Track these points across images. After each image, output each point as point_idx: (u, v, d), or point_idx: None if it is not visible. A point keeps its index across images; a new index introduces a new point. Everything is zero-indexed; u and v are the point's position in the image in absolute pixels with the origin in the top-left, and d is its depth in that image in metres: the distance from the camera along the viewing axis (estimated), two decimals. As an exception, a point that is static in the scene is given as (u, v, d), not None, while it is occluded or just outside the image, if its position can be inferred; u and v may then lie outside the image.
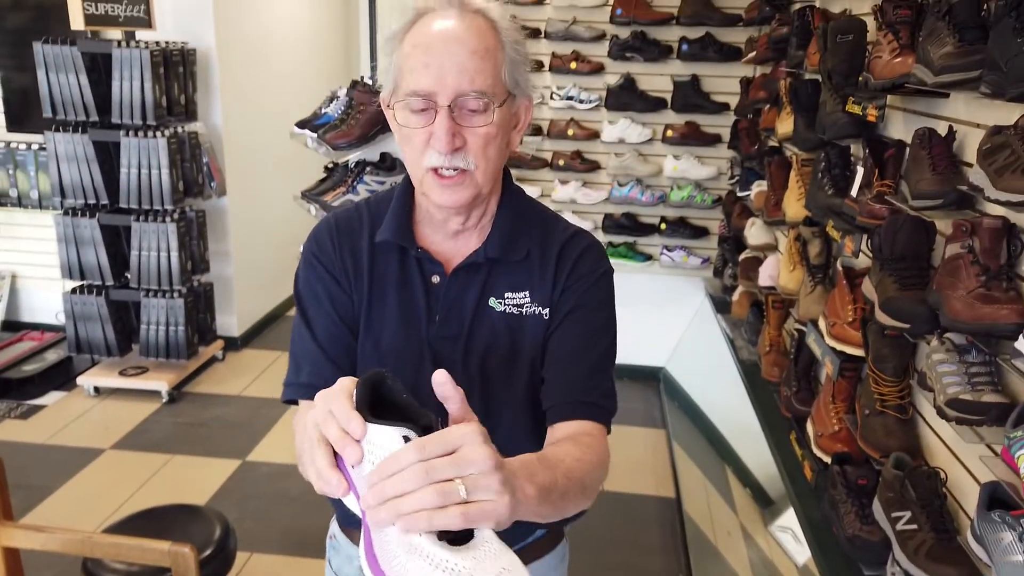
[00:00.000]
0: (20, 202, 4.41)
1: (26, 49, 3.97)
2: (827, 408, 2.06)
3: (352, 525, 1.32)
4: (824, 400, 2.10)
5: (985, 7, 1.44)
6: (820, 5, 2.72)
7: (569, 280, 1.13)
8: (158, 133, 3.82)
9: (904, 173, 1.75)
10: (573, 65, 3.98)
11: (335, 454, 0.76)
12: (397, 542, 0.70)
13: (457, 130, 1.01)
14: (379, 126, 2.71)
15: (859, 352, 1.87)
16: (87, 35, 3.83)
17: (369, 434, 0.74)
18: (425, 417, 0.77)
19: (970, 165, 1.49)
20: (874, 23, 1.89)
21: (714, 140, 3.97)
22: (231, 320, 4.70)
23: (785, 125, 2.71)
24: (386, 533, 0.72)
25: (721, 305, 3.67)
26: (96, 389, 4.11)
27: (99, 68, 3.82)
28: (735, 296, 3.47)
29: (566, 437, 1.04)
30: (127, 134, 3.82)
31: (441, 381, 0.78)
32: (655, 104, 3.95)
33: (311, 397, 0.82)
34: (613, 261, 1.25)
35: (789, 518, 2.34)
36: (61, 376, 4.25)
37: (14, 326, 4.70)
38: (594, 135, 4.05)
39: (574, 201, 4.11)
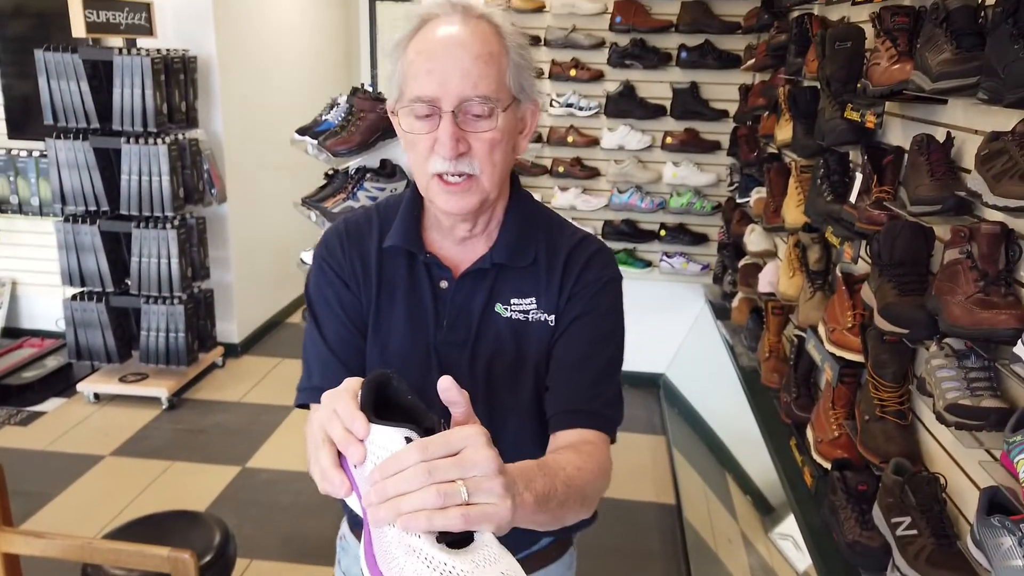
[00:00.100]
0: (21, 209, 4.41)
1: (27, 57, 3.98)
2: (827, 414, 2.06)
3: (361, 526, 1.32)
4: (824, 406, 2.10)
5: (982, 14, 1.45)
6: (818, 13, 2.73)
7: (576, 287, 1.12)
8: (159, 140, 3.83)
9: (903, 179, 1.76)
10: (573, 72, 3.99)
11: (339, 454, 0.76)
12: (396, 543, 0.70)
13: (461, 135, 1.01)
14: (379, 133, 2.72)
15: (859, 358, 1.88)
16: (88, 42, 3.84)
17: (372, 434, 0.74)
18: (428, 419, 0.77)
19: (968, 171, 1.50)
20: (872, 30, 1.90)
21: (713, 147, 3.98)
22: (231, 327, 4.71)
23: (784, 132, 2.72)
24: (385, 534, 0.72)
25: (721, 311, 3.68)
26: (96, 395, 4.11)
27: (100, 75, 3.83)
28: (735, 302, 3.47)
29: (567, 445, 1.04)
30: (128, 141, 3.83)
31: (447, 387, 0.78)
32: (654, 111, 3.97)
33: None
34: (612, 267, 1.24)
35: (789, 525, 2.34)
36: (61, 383, 4.24)
37: (14, 333, 4.71)
38: (594, 142, 4.06)
39: (574, 208, 4.11)
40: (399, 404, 0.80)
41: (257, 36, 4.89)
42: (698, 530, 3.09)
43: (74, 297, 4.07)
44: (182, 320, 4.04)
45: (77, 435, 3.77)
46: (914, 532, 1.47)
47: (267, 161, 4.97)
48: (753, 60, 3.45)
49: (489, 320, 1.12)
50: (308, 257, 3.04)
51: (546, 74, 4.03)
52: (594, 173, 4.11)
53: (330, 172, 2.96)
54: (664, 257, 4.16)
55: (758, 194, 3.21)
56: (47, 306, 4.66)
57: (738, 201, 3.60)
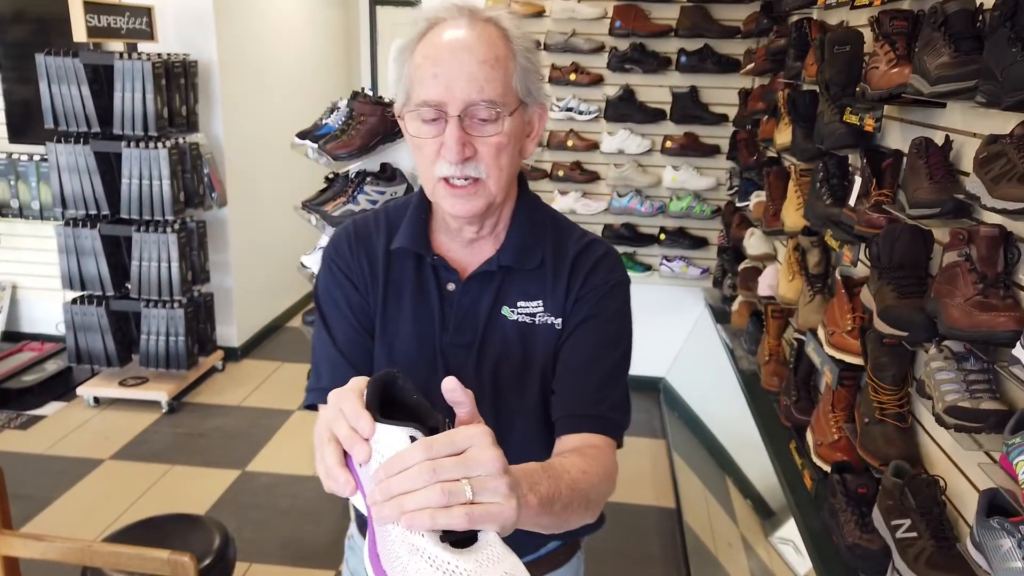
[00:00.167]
0: (21, 213, 4.42)
1: (28, 62, 3.99)
2: (826, 417, 2.06)
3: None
4: (824, 409, 2.10)
5: (980, 18, 1.46)
6: (817, 17, 2.74)
7: (582, 290, 1.12)
8: (159, 144, 3.84)
9: (901, 182, 1.76)
10: (572, 77, 4.00)
11: (345, 453, 0.76)
12: (400, 542, 0.70)
13: (467, 140, 1.01)
14: (379, 136, 2.72)
15: (858, 361, 1.88)
16: (89, 47, 3.85)
17: (377, 433, 0.74)
18: (433, 418, 0.77)
19: (967, 174, 1.50)
20: (871, 34, 1.90)
21: (713, 151, 3.99)
22: (231, 330, 4.71)
23: (783, 136, 2.73)
24: (389, 532, 0.72)
25: (720, 315, 3.68)
26: (96, 399, 4.11)
27: (101, 79, 3.84)
28: (734, 306, 3.47)
29: (572, 449, 1.03)
30: (128, 145, 3.84)
31: (451, 387, 0.78)
32: (654, 115, 3.97)
33: None
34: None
35: (790, 529, 2.34)
36: (61, 386, 4.24)
37: (14, 336, 4.71)
38: (593, 146, 4.06)
39: (574, 211, 4.12)
40: (405, 403, 0.80)
41: (257, 41, 4.90)
42: (698, 534, 3.09)
43: (74, 301, 4.07)
44: (182, 324, 4.05)
45: (77, 439, 3.77)
46: (914, 534, 1.47)
47: (267, 165, 4.98)
48: (752, 64, 3.46)
49: (495, 322, 1.12)
50: (308, 261, 3.04)
51: (546, 78, 4.04)
52: (594, 177, 4.12)
53: (330, 176, 2.97)
54: (664, 261, 4.17)
55: (757, 198, 3.21)
56: (47, 310, 4.66)
57: (738, 205, 3.60)
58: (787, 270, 2.58)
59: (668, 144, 4.00)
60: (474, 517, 0.68)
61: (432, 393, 0.81)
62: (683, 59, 3.89)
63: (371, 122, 2.69)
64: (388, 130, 2.73)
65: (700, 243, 4.15)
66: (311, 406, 1.14)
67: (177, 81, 3.97)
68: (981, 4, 1.47)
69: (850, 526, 1.72)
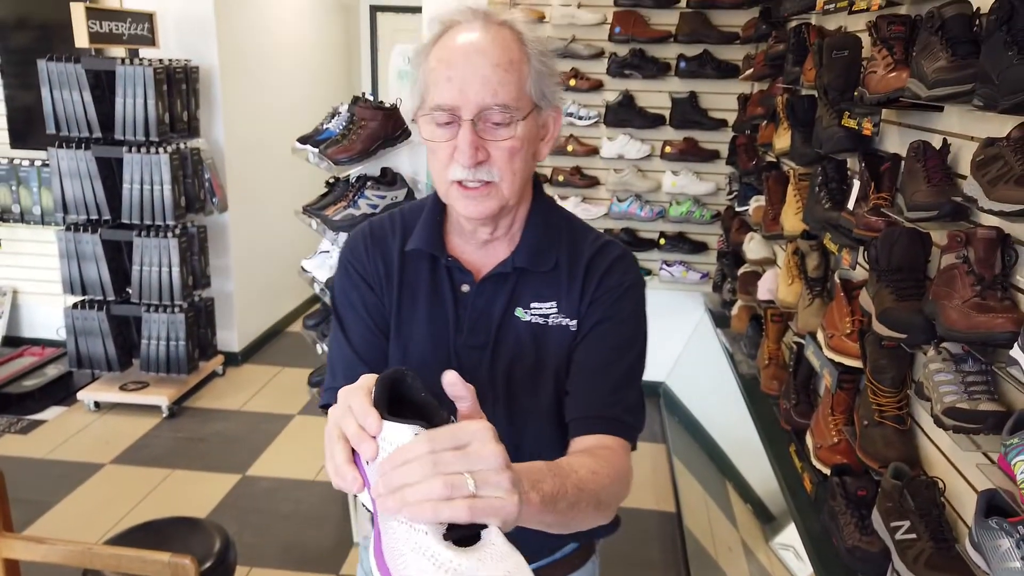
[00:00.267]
0: (23, 218, 4.43)
1: (30, 68, 4.01)
2: (826, 420, 2.07)
3: None
4: (823, 412, 2.11)
5: (977, 22, 1.47)
6: (816, 22, 2.76)
7: (597, 292, 1.12)
8: (160, 149, 3.85)
9: (900, 186, 1.77)
10: (572, 82, 4.02)
11: (353, 450, 0.77)
12: (403, 540, 0.71)
13: (480, 143, 1.01)
14: (380, 141, 2.73)
15: (857, 364, 1.88)
16: (91, 53, 3.87)
17: (384, 431, 0.74)
18: (440, 416, 0.78)
19: (964, 177, 1.51)
20: (869, 39, 1.92)
21: (712, 156, 4.00)
22: (231, 335, 4.71)
23: (782, 140, 2.74)
24: (393, 530, 0.73)
25: (720, 320, 3.68)
26: (96, 404, 4.11)
27: (103, 85, 3.86)
28: (734, 310, 3.48)
29: (584, 450, 1.03)
30: (130, 150, 3.85)
31: (451, 381, 0.79)
32: (653, 120, 3.99)
33: None
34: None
35: (790, 534, 2.34)
36: (61, 391, 4.25)
37: (15, 341, 4.71)
38: (593, 151, 4.08)
39: (573, 216, 4.12)
40: (413, 401, 0.81)
41: (258, 46, 4.92)
42: (698, 538, 3.09)
43: (75, 305, 4.08)
44: (183, 328, 4.05)
45: (77, 443, 3.77)
46: (913, 536, 1.47)
47: (268, 170, 4.99)
48: (751, 70, 3.47)
49: (509, 324, 1.12)
50: (309, 265, 3.05)
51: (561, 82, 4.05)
52: (594, 182, 4.13)
53: (331, 180, 2.98)
54: (664, 266, 4.18)
55: (757, 202, 3.22)
56: (48, 315, 4.67)
57: (737, 209, 3.61)
58: (786, 274, 2.59)
59: (668, 149, 4.01)
60: (476, 510, 0.69)
61: (445, 394, 0.81)
62: (682, 64, 3.91)
63: (372, 127, 2.71)
64: (389, 134, 2.75)
65: (700, 248, 4.16)
66: (326, 405, 1.15)
67: (178, 86, 3.98)
68: (978, 8, 1.48)
69: (850, 528, 1.72)
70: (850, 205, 2.00)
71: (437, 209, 1.16)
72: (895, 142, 2.01)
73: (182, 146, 4.03)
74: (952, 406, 1.37)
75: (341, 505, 3.28)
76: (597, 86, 4.02)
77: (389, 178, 2.80)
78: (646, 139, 4.03)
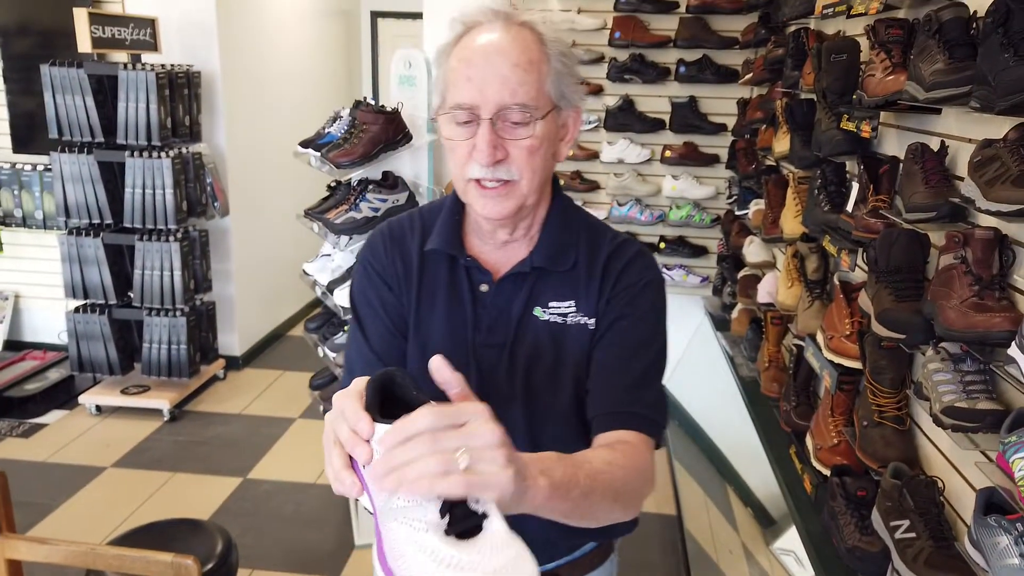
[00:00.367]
0: (25, 222, 4.44)
1: (32, 74, 4.03)
2: (826, 421, 2.08)
3: None
4: (823, 414, 2.11)
5: (974, 25, 1.48)
6: (814, 27, 2.77)
7: (615, 289, 1.12)
8: (162, 154, 3.86)
9: (898, 188, 1.78)
10: (573, 87, 4.03)
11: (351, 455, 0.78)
12: (403, 539, 0.72)
13: (499, 142, 1.02)
14: (381, 145, 2.75)
15: (857, 365, 1.89)
16: (93, 58, 3.89)
17: (377, 433, 0.75)
18: None
19: (962, 179, 1.52)
20: (867, 43, 1.93)
21: (712, 160, 4.02)
22: (232, 339, 4.72)
23: (781, 144, 2.75)
24: (394, 531, 0.73)
25: (720, 323, 3.69)
26: (98, 407, 4.12)
27: (105, 90, 3.87)
28: (734, 313, 3.49)
29: (603, 445, 1.03)
30: (132, 155, 3.87)
31: (438, 366, 0.80)
32: (653, 125, 4.00)
33: None
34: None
35: (791, 538, 2.34)
36: (63, 395, 4.26)
37: (16, 345, 4.72)
38: (593, 155, 4.09)
39: (574, 220, 4.14)
40: (406, 400, 0.82)
41: (260, 51, 4.94)
42: (699, 541, 3.09)
43: (77, 309, 4.09)
44: (184, 332, 4.06)
45: (79, 447, 3.78)
46: (912, 535, 1.48)
47: (269, 175, 5.01)
48: (751, 74, 3.49)
49: (527, 323, 1.12)
50: (311, 268, 3.06)
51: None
52: (594, 186, 4.15)
53: (332, 184, 2.99)
54: (664, 269, 4.19)
55: (756, 206, 3.23)
56: (49, 319, 4.68)
57: (737, 213, 3.62)
58: (786, 277, 2.60)
59: (667, 153, 4.03)
60: (472, 484, 0.70)
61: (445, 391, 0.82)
62: (682, 69, 3.92)
63: (373, 131, 2.72)
64: (390, 138, 2.76)
65: (700, 251, 4.17)
66: None
67: (180, 91, 4.00)
68: (975, 12, 1.49)
69: (850, 529, 1.73)
70: (849, 207, 2.01)
71: (456, 209, 1.17)
72: (893, 144, 2.03)
73: (184, 150, 4.05)
74: (951, 405, 1.38)
75: (342, 508, 3.29)
76: (597, 91, 4.04)
77: (390, 182, 2.81)
78: (646, 143, 4.05)
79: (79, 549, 1.74)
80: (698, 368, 4.12)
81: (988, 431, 1.33)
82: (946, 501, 1.56)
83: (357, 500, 3.21)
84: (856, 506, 1.75)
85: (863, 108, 1.91)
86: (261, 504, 3.34)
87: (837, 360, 1.96)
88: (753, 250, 3.26)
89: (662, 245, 4.16)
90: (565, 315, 1.12)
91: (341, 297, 2.81)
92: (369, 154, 2.74)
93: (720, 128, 3.97)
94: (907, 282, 1.63)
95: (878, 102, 1.79)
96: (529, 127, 1.02)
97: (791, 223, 2.60)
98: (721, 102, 3.97)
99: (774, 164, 3.18)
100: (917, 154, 1.66)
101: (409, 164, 2.93)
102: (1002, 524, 1.18)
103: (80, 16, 3.62)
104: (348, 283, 2.84)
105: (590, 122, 4.06)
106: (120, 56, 4.08)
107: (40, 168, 4.36)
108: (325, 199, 2.97)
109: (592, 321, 1.12)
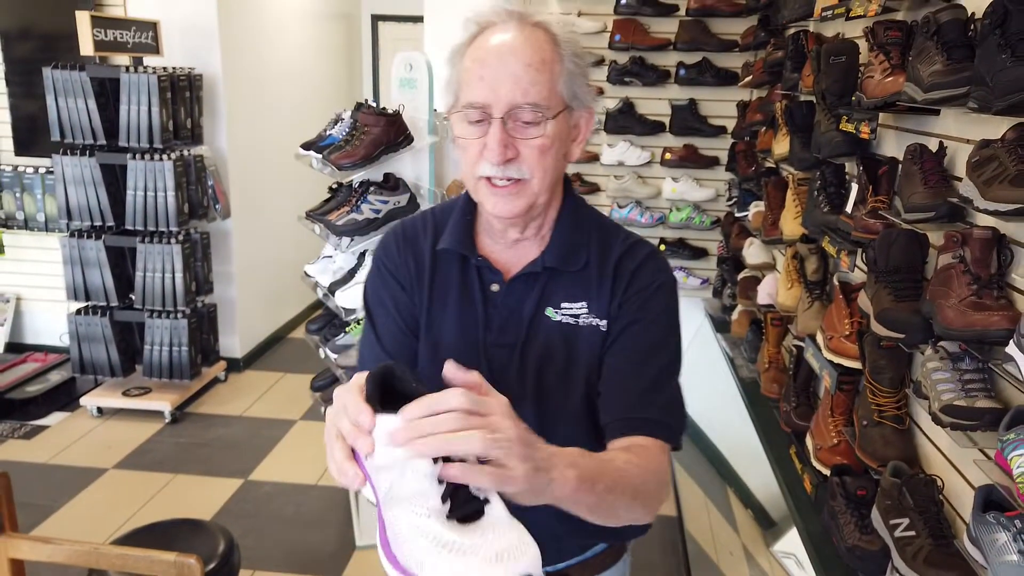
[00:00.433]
0: (26, 225, 4.46)
1: (34, 77, 4.05)
2: (826, 422, 2.08)
3: None
4: (823, 414, 2.12)
5: (972, 27, 1.49)
6: (814, 29, 2.79)
7: (627, 293, 1.12)
8: (164, 156, 3.88)
9: (897, 188, 1.79)
10: (573, 89, 4.04)
11: (352, 448, 0.79)
12: (406, 525, 0.73)
13: (510, 141, 1.03)
14: (383, 147, 2.76)
15: (856, 364, 1.90)
16: (96, 61, 3.90)
17: (379, 425, 0.76)
18: None
19: (960, 179, 1.53)
20: (866, 45, 1.94)
21: (712, 162, 4.03)
22: (234, 341, 4.73)
23: (781, 146, 2.76)
24: (396, 519, 0.74)
25: (720, 325, 3.70)
26: (99, 409, 4.12)
27: (107, 93, 3.89)
28: (734, 315, 3.50)
29: (620, 448, 1.04)
30: (134, 157, 3.88)
31: (452, 375, 0.82)
32: (653, 127, 4.01)
33: None
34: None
35: (791, 541, 2.35)
36: (64, 397, 4.26)
37: (18, 348, 4.73)
38: (594, 158, 4.10)
39: (574, 223, 4.14)
40: (406, 393, 0.83)
41: (261, 54, 4.96)
42: (699, 542, 3.10)
43: (79, 311, 4.10)
44: (185, 334, 4.07)
45: (80, 448, 3.79)
46: (912, 533, 1.49)
47: (270, 177, 5.02)
48: (750, 77, 3.50)
49: (539, 323, 1.13)
50: (312, 270, 3.07)
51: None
52: (594, 188, 4.15)
53: (334, 186, 3.00)
54: (664, 271, 4.19)
55: (756, 208, 3.24)
56: (50, 321, 4.69)
57: (737, 215, 3.63)
58: (786, 278, 2.61)
59: (667, 156, 4.03)
60: (493, 476, 0.73)
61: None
62: (682, 72, 3.93)
63: (375, 132, 2.73)
64: (391, 140, 2.77)
65: (700, 253, 4.18)
66: None
67: (182, 94, 4.02)
68: (972, 13, 1.50)
69: (849, 528, 1.74)
70: (848, 208, 2.02)
71: (468, 209, 1.18)
72: (892, 146, 2.04)
73: (186, 153, 4.06)
74: (950, 403, 1.38)
75: (343, 509, 3.29)
76: (597, 93, 4.05)
77: (392, 183, 2.82)
78: (646, 146, 4.06)
79: (82, 548, 1.74)
80: (698, 370, 4.10)
81: (987, 429, 1.34)
82: (945, 499, 1.57)
83: (358, 501, 3.20)
84: (856, 505, 1.76)
85: (862, 110, 1.92)
86: (262, 506, 3.35)
87: (837, 360, 1.97)
88: (753, 252, 3.27)
89: (662, 247, 4.17)
90: (577, 316, 1.13)
91: (343, 299, 2.82)
92: (370, 156, 2.75)
93: (720, 130, 3.98)
94: (906, 282, 1.64)
95: (877, 103, 1.80)
96: (540, 126, 1.03)
97: (791, 224, 2.61)
98: (721, 104, 3.98)
99: (774, 166, 3.19)
100: (916, 155, 1.67)
101: (410, 166, 2.94)
102: (1000, 521, 1.19)
103: (82, 19, 3.64)
104: (349, 284, 2.85)
105: (590, 125, 4.06)
106: (122, 59, 4.09)
107: (42, 171, 4.38)
108: (327, 201, 2.98)
109: (604, 323, 1.12)
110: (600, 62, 4.02)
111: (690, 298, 4.23)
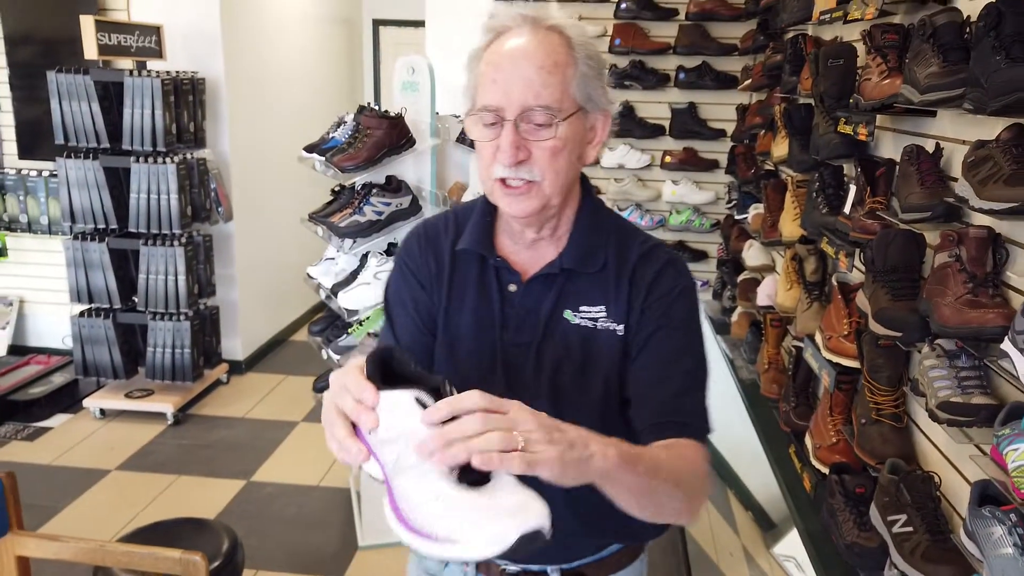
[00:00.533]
0: (30, 227, 4.48)
1: (37, 81, 4.07)
2: (825, 421, 2.10)
3: None
4: (822, 413, 2.14)
5: (967, 29, 1.52)
6: (812, 33, 2.81)
7: (648, 300, 1.12)
8: (167, 159, 3.90)
9: (894, 189, 1.81)
10: (573, 93, 4.06)
11: (354, 425, 0.81)
12: (417, 490, 0.75)
13: (522, 143, 1.04)
14: (385, 149, 2.78)
15: (855, 364, 1.92)
16: (99, 64, 3.93)
17: (382, 401, 0.79)
18: (434, 381, 0.82)
19: (956, 179, 1.55)
20: (863, 48, 1.96)
21: (711, 165, 4.05)
22: (236, 343, 4.75)
23: (780, 148, 2.78)
24: (405, 485, 0.77)
25: (720, 327, 3.71)
26: (102, 411, 4.14)
27: (111, 96, 3.92)
28: (734, 317, 3.51)
29: (657, 446, 1.04)
30: (137, 160, 3.90)
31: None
32: (653, 131, 4.03)
33: None
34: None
35: (791, 543, 2.36)
36: (67, 399, 4.28)
37: (21, 350, 4.74)
38: (594, 161, 4.12)
39: (575, 225, 4.16)
40: (404, 376, 0.85)
41: (263, 58, 4.99)
42: (699, 543, 3.11)
43: (81, 314, 4.12)
44: (188, 336, 4.09)
45: (83, 450, 3.80)
46: (910, 529, 1.50)
47: (272, 180, 5.05)
48: (749, 80, 3.52)
49: (556, 325, 1.14)
50: (315, 272, 3.10)
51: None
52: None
53: (337, 188, 3.03)
54: (664, 274, 4.20)
55: (756, 210, 3.26)
56: (53, 324, 4.70)
57: (736, 218, 3.65)
58: (785, 279, 2.62)
59: (667, 159, 4.06)
60: (528, 462, 0.76)
61: (490, 391, 0.84)
62: (682, 76, 3.95)
63: (377, 135, 2.76)
64: (394, 143, 2.80)
65: (700, 256, 4.19)
66: None
67: (185, 98, 4.04)
68: (968, 16, 1.53)
69: (848, 525, 1.75)
70: (847, 209, 2.04)
71: (487, 210, 1.19)
72: (889, 147, 2.06)
73: (188, 156, 4.08)
74: (946, 400, 1.40)
75: (345, 510, 3.31)
76: (598, 97, 4.06)
77: (394, 185, 2.84)
78: (646, 149, 4.08)
79: (88, 546, 1.76)
80: (698, 371, 4.13)
81: (982, 425, 1.35)
82: (942, 495, 1.59)
83: (359, 502, 3.18)
84: (855, 503, 1.77)
85: (860, 112, 1.94)
86: (264, 506, 3.36)
87: (835, 360, 1.99)
88: (752, 254, 3.29)
89: (662, 249, 4.18)
90: (595, 320, 1.13)
91: (345, 300, 2.84)
92: (373, 158, 2.77)
93: (719, 133, 4.00)
94: (903, 281, 1.65)
95: (874, 105, 1.82)
96: (552, 128, 1.04)
97: (790, 226, 2.63)
98: (720, 108, 4.00)
99: (773, 168, 3.21)
100: (913, 156, 1.69)
101: (412, 168, 2.96)
102: (996, 515, 1.21)
103: (87, 23, 3.67)
104: (352, 286, 2.87)
105: (591, 128, 4.08)
106: (126, 63, 4.12)
107: (45, 174, 4.40)
108: (329, 203, 3.00)
109: (621, 327, 1.13)
110: (600, 66, 4.04)
111: (690, 300, 4.24)
